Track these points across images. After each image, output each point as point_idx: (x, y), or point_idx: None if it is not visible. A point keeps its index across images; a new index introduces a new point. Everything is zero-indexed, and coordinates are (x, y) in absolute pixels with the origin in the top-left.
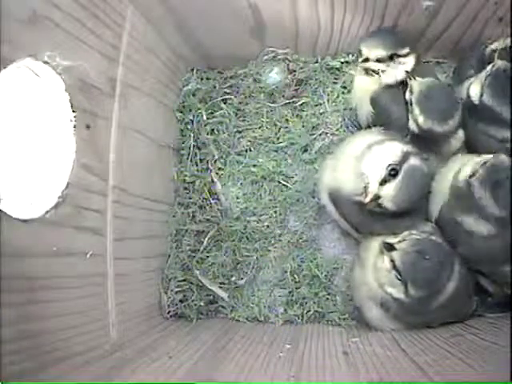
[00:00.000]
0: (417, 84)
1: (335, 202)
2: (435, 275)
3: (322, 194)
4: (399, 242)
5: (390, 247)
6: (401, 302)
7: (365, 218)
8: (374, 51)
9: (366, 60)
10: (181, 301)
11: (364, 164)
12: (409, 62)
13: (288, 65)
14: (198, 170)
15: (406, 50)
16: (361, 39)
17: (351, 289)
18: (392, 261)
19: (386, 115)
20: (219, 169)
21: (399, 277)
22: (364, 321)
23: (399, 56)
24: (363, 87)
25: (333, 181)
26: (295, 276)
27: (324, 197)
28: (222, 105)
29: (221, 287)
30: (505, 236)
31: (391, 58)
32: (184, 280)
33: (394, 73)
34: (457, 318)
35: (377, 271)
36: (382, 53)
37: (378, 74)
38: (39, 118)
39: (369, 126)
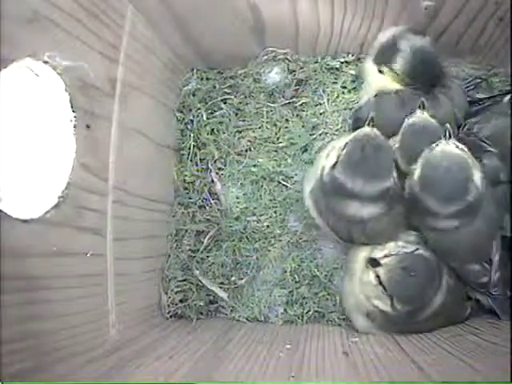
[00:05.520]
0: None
1: (317, 205)
2: (421, 292)
3: (305, 196)
4: (385, 256)
5: (375, 263)
6: (387, 313)
7: (344, 225)
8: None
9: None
10: (181, 301)
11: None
12: None
13: (288, 65)
14: (198, 170)
15: None
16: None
17: (341, 298)
18: (377, 276)
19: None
20: (219, 169)
21: (385, 292)
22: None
23: None
24: (379, 83)
25: (312, 176)
26: (295, 276)
27: (308, 201)
28: (222, 105)
29: (221, 287)
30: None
31: None
32: (184, 280)
33: None
34: (449, 324)
35: (363, 284)
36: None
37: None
38: (39, 117)
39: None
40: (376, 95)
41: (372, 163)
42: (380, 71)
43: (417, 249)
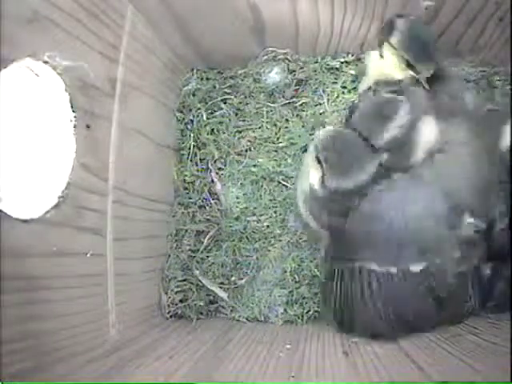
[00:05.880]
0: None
1: (311, 210)
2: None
3: (299, 203)
4: None
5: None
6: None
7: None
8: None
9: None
10: (181, 301)
11: None
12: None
13: (288, 65)
14: (198, 170)
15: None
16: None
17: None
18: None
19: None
20: (219, 169)
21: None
22: None
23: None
24: (379, 71)
25: (303, 183)
26: (295, 276)
27: (301, 206)
28: (222, 105)
29: (221, 287)
30: None
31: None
32: (184, 280)
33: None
34: (450, 322)
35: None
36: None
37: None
38: (39, 117)
39: None
40: (370, 87)
41: (350, 156)
42: (381, 56)
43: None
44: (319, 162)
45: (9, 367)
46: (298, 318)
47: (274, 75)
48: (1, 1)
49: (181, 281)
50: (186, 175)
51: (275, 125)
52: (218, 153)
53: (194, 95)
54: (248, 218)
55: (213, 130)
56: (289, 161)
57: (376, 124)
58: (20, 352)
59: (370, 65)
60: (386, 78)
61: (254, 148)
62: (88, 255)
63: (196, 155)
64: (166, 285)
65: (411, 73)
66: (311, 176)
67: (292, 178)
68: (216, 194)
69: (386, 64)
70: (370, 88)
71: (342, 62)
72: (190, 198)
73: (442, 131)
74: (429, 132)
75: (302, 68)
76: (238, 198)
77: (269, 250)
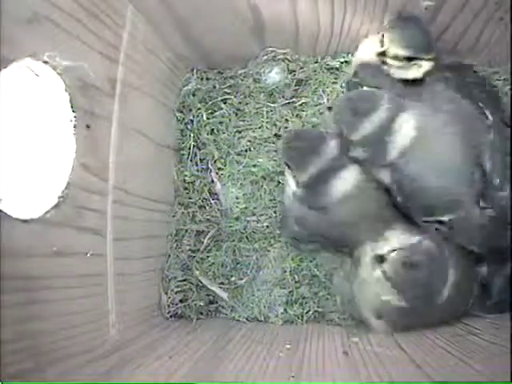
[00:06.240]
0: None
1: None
2: (428, 286)
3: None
4: (390, 251)
5: (380, 259)
6: (400, 308)
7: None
8: (398, 50)
9: (383, 54)
10: (181, 301)
11: None
12: (424, 67)
13: (288, 65)
14: (198, 170)
15: (428, 57)
16: (390, 26)
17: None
18: (384, 271)
19: None
20: (219, 169)
21: (393, 287)
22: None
23: (418, 59)
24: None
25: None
26: (295, 276)
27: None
28: (222, 105)
29: (221, 287)
30: None
31: (409, 59)
32: (184, 280)
33: (406, 71)
34: (454, 315)
35: (374, 282)
36: (404, 54)
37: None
38: (39, 118)
39: None
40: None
41: (307, 148)
42: (371, 41)
43: (421, 239)
44: (288, 166)
45: (8, 367)
46: (298, 317)
47: (274, 75)
48: (1, 1)
49: (181, 281)
50: (186, 175)
51: (275, 125)
52: (218, 153)
53: (194, 95)
54: (248, 218)
55: (213, 130)
56: None
57: (353, 118)
58: (20, 352)
59: (359, 48)
60: (371, 59)
61: (254, 148)
62: (88, 255)
63: (196, 155)
64: (166, 285)
65: (395, 62)
66: (290, 184)
67: None
68: (216, 193)
69: (374, 47)
70: (355, 73)
71: (341, 62)
72: (190, 198)
73: (419, 128)
74: (405, 131)
75: (302, 68)
76: (237, 198)
77: (268, 250)
